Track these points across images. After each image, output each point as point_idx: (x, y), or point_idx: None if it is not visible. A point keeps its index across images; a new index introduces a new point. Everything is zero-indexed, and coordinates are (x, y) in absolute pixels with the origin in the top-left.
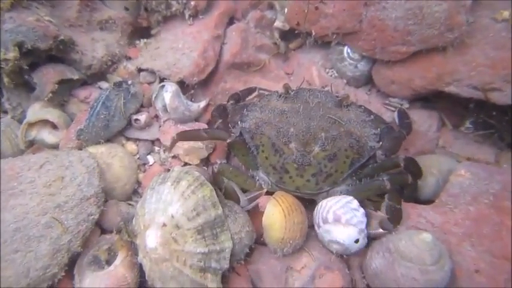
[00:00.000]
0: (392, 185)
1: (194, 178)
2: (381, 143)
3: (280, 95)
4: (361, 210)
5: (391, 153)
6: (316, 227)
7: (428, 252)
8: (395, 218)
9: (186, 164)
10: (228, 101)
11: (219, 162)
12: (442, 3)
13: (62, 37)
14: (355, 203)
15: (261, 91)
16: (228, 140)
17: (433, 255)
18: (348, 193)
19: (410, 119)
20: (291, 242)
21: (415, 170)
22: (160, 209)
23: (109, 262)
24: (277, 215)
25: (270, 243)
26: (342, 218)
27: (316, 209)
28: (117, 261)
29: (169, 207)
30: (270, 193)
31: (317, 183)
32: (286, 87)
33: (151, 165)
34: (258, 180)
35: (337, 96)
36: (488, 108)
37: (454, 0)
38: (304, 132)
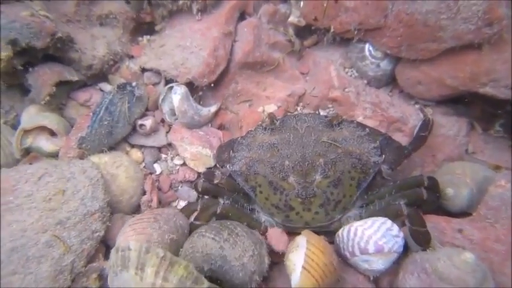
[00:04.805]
0: (410, 209)
1: (160, 259)
2: (383, 156)
3: (265, 128)
4: (401, 234)
5: (396, 166)
6: (347, 254)
7: (471, 274)
8: (423, 241)
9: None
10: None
11: (222, 202)
12: None
13: (59, 34)
14: (395, 229)
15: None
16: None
17: (477, 277)
18: (361, 219)
19: (428, 133)
20: None
21: (436, 188)
22: None
23: None
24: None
25: None
26: (384, 248)
27: (345, 233)
28: None
29: None
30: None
31: (327, 214)
32: (271, 117)
33: (158, 174)
34: (264, 221)
35: (326, 116)
36: None
37: None
38: (301, 162)
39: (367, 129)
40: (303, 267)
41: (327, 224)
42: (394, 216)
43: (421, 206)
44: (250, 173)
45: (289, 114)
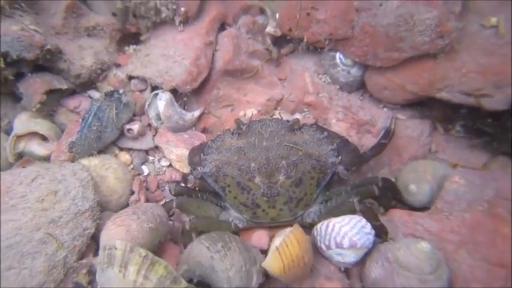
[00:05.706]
0: (362, 205)
1: (142, 258)
2: (340, 157)
3: (233, 132)
4: (373, 231)
5: (351, 166)
6: (323, 246)
7: (427, 261)
8: (381, 233)
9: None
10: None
11: (189, 219)
12: (432, 10)
13: (48, 46)
14: (368, 227)
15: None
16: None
17: (432, 264)
18: (320, 214)
19: (387, 142)
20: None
21: (393, 188)
22: None
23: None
24: (277, 271)
25: None
26: (357, 243)
27: (323, 227)
28: None
29: None
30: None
31: (290, 210)
32: (238, 123)
33: (146, 175)
34: (232, 220)
35: (288, 121)
36: (482, 114)
37: (444, 6)
38: (266, 164)
39: (325, 132)
40: (277, 248)
41: (291, 220)
42: (349, 212)
43: (381, 202)
44: (220, 174)
45: (254, 119)
